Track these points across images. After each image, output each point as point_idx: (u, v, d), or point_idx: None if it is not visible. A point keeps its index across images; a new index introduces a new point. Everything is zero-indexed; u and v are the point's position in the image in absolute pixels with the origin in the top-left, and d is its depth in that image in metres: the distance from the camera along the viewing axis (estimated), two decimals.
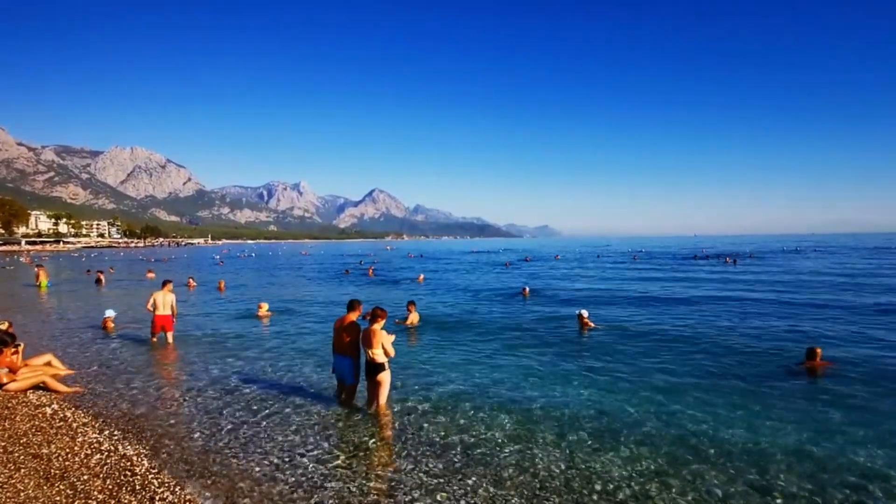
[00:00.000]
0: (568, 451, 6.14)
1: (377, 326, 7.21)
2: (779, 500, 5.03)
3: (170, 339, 12.52)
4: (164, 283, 12.87)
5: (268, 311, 17.45)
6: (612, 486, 5.29)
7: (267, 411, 7.57)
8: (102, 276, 31.85)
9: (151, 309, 12.39)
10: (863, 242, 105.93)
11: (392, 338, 7.42)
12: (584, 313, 14.24)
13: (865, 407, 7.68)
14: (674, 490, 5.21)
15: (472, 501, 5.01)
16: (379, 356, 7.16)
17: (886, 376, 9.33)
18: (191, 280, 29.54)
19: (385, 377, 7.32)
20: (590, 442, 6.42)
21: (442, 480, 5.41)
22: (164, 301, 12.41)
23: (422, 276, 32.77)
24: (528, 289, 23.45)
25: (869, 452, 6.06)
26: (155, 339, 12.55)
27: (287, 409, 7.63)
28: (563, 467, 5.73)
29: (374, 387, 7.36)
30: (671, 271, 37.36)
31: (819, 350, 9.89)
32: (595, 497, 5.10)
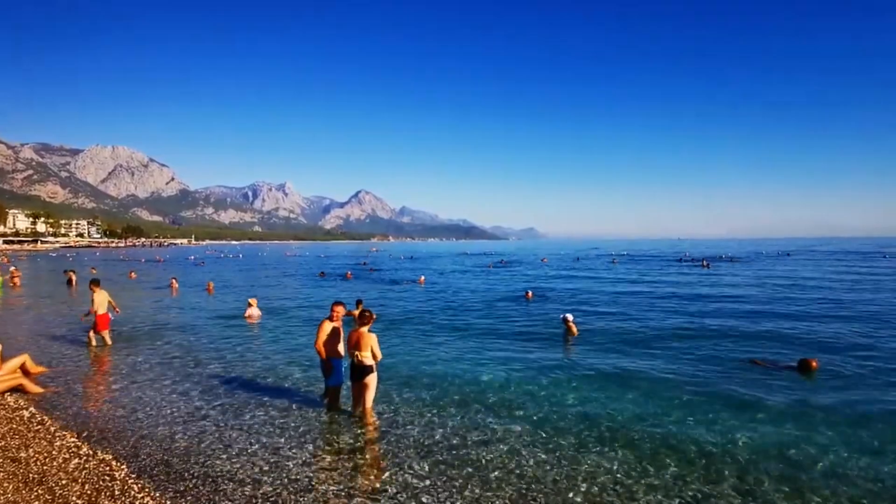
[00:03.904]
0: (554, 453, 6.17)
1: (365, 329, 7.18)
2: (759, 501, 5.11)
3: (106, 339, 12.55)
4: (94, 283, 12.89)
5: (258, 307, 17.41)
6: (597, 488, 5.33)
7: (251, 413, 7.49)
8: (74, 277, 30.82)
9: (95, 310, 12.42)
10: (843, 247, 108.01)
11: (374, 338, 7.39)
12: (570, 317, 14.34)
13: (844, 410, 7.82)
14: (658, 492, 5.26)
15: (458, 503, 5.01)
16: (367, 358, 7.13)
17: (863, 379, 9.53)
18: (174, 281, 29.11)
19: (372, 379, 7.30)
20: (575, 444, 6.46)
21: (428, 482, 5.40)
22: (101, 300, 12.55)
23: (423, 278, 32.85)
24: (531, 292, 23.49)
25: (850, 455, 6.19)
26: (94, 342, 12.47)
27: (272, 411, 7.56)
28: (548, 468, 5.76)
29: (362, 389, 7.32)
30: (651, 275, 37.74)
31: (814, 362, 9.91)
32: (580, 498, 5.13)
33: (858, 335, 13.67)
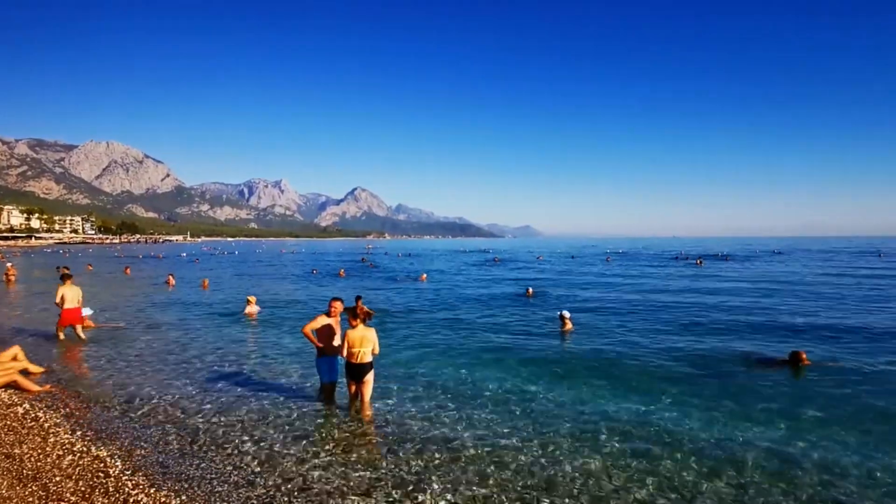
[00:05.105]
0: (549, 449, 6.18)
1: (364, 325, 7.16)
2: (753, 497, 5.14)
3: (80, 334, 12.40)
4: (66, 277, 12.68)
5: (256, 304, 17.37)
6: (592, 482, 5.35)
7: (246, 409, 7.47)
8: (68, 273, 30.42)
9: (59, 304, 12.22)
10: (837, 246, 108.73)
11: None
12: (567, 314, 14.38)
13: (835, 404, 7.88)
14: (652, 486, 5.29)
15: (453, 499, 5.02)
16: (367, 355, 7.12)
17: (854, 373, 9.59)
18: (170, 277, 29.02)
19: (371, 376, 7.30)
20: (571, 440, 6.48)
21: (423, 478, 5.41)
22: (73, 295, 12.31)
23: (424, 276, 32.96)
24: (531, 289, 23.51)
25: (841, 450, 6.23)
26: (62, 336, 12.34)
27: (267, 407, 7.55)
28: (544, 463, 5.78)
29: (361, 386, 7.32)
30: (645, 272, 37.88)
31: (804, 354, 10.01)
32: (575, 493, 5.14)
33: (848, 330, 13.76)
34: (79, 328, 12.47)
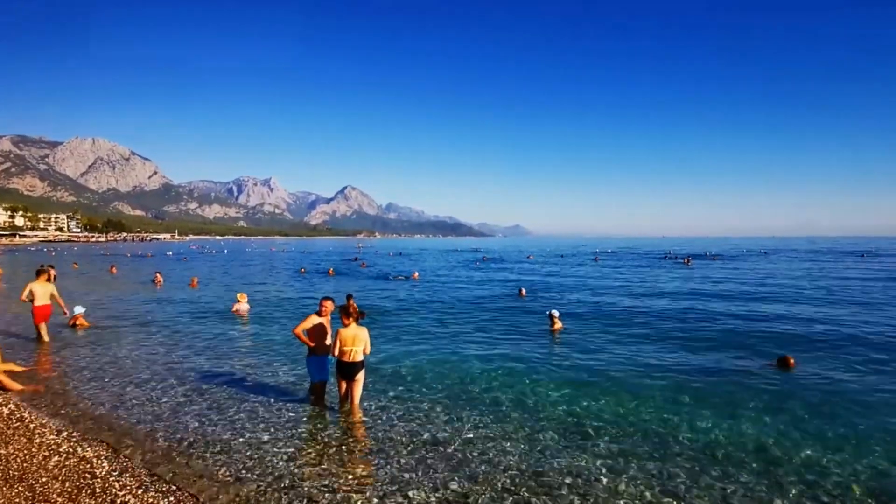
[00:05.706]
0: (538, 448, 6.22)
1: (356, 324, 7.15)
2: (738, 494, 5.21)
3: (43, 334, 11.92)
4: (39, 273, 12.22)
5: (247, 302, 17.30)
6: (581, 481, 5.40)
7: (235, 409, 7.43)
8: (53, 272, 29.84)
9: (28, 300, 11.80)
10: (824, 246, 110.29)
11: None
12: (556, 313, 14.45)
13: (821, 406, 8.02)
14: (640, 484, 5.34)
15: (444, 496, 5.04)
16: (359, 354, 7.11)
17: (840, 375, 9.76)
18: (158, 276, 28.72)
19: (362, 375, 7.30)
20: (560, 439, 6.53)
21: (413, 476, 5.42)
22: (44, 292, 11.88)
23: (416, 274, 32.98)
24: (524, 289, 23.60)
25: (826, 449, 6.33)
26: (45, 336, 11.95)
27: (257, 407, 7.51)
28: (532, 462, 5.81)
29: (351, 385, 7.31)
30: (634, 272, 38.16)
31: (791, 360, 10.15)
32: (564, 491, 5.19)
33: (834, 332, 13.97)
34: (41, 326, 11.98)
